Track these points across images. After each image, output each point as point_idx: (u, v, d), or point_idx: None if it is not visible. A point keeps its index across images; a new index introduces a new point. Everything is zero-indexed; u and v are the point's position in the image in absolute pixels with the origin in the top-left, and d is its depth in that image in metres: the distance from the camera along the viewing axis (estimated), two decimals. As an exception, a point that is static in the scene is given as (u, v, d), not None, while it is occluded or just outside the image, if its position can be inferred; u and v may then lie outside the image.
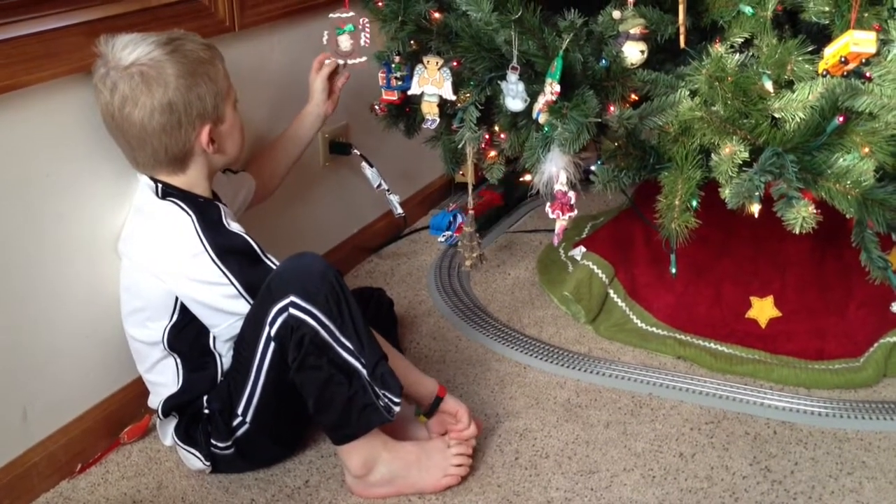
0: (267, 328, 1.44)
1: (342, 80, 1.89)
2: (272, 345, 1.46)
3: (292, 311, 1.42)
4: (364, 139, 2.27)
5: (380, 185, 2.33)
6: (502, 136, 1.72)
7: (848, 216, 1.39)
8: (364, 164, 2.29)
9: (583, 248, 2.16)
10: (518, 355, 1.97)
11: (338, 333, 1.44)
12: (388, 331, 1.98)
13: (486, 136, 1.75)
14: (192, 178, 1.54)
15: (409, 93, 1.77)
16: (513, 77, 1.56)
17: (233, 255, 1.48)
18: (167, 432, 1.63)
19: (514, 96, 1.58)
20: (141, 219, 1.55)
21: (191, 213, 1.49)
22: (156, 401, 1.61)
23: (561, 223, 1.63)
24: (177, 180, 1.53)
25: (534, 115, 1.58)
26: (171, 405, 1.59)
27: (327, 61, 1.85)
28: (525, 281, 2.31)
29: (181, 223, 1.48)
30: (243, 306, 1.49)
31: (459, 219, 2.44)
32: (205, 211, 1.51)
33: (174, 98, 1.44)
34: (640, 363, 1.93)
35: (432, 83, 1.71)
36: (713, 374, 1.87)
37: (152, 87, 1.43)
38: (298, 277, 1.45)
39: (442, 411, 1.63)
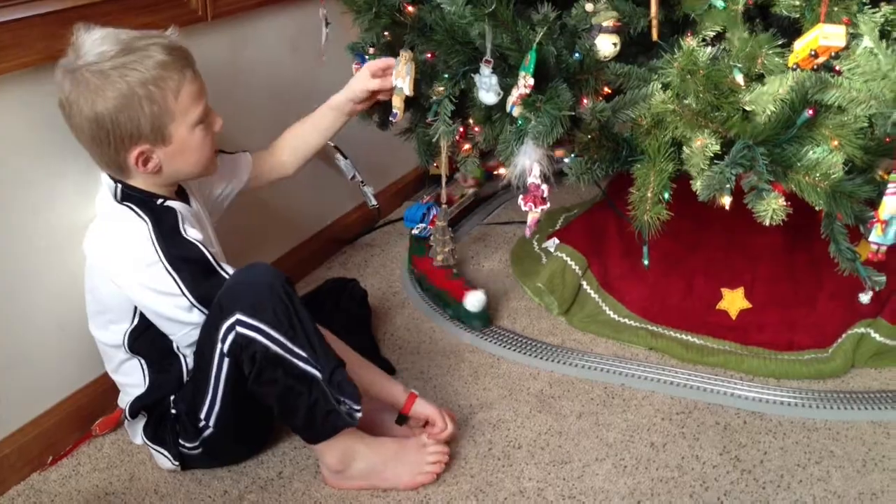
0: (220, 344, 1.43)
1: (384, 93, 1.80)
2: (227, 360, 1.45)
3: (239, 328, 1.41)
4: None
5: (354, 177, 2.33)
6: (476, 129, 1.72)
7: (817, 208, 1.40)
8: (338, 155, 2.28)
9: (556, 240, 2.17)
10: (492, 346, 1.98)
11: (290, 345, 1.42)
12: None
13: (461, 130, 1.75)
14: (143, 183, 1.50)
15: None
16: (486, 70, 1.56)
17: (187, 264, 1.45)
18: (136, 432, 1.62)
19: (487, 89, 1.58)
20: (100, 221, 1.52)
21: (147, 219, 1.46)
22: (125, 400, 1.60)
23: (534, 215, 1.64)
24: (132, 181, 1.50)
25: (508, 109, 1.58)
26: (139, 406, 1.58)
27: (395, 82, 1.73)
28: (499, 273, 2.31)
29: (136, 230, 1.45)
30: (197, 317, 1.46)
31: (433, 211, 2.44)
32: (161, 217, 1.47)
33: (101, 113, 1.39)
34: (613, 354, 1.94)
35: (399, 77, 1.71)
36: (684, 365, 1.89)
37: (84, 97, 1.38)
38: (245, 293, 1.43)
39: (413, 418, 1.63)
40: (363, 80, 1.75)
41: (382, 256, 2.42)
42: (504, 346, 1.97)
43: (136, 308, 1.51)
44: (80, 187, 1.57)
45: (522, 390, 1.83)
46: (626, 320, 2.03)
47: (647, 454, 1.64)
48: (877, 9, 1.35)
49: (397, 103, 1.74)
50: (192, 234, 1.48)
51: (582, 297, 2.09)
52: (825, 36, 1.31)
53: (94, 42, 1.39)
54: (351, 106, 1.79)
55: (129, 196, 1.49)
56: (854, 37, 1.34)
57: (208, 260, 1.47)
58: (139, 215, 1.46)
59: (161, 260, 1.43)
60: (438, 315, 2.11)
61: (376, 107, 1.89)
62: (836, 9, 1.36)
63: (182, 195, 1.60)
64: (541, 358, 1.93)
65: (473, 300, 2.02)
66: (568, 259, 2.09)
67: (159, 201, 1.50)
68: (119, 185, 1.49)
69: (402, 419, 1.63)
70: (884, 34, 1.34)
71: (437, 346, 2.00)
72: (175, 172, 1.52)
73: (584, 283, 2.09)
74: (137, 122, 1.41)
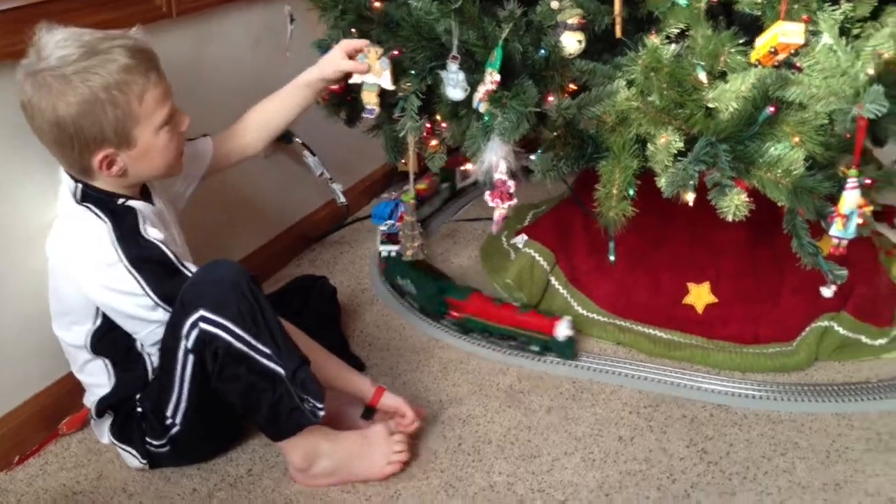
0: (183, 341, 1.43)
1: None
2: (191, 356, 1.44)
3: (202, 325, 1.40)
4: (306, 128, 2.26)
5: (322, 174, 2.32)
6: (443, 125, 1.72)
7: (779, 204, 1.42)
8: (306, 152, 2.28)
9: (524, 237, 2.17)
10: (461, 343, 1.98)
11: (254, 342, 1.41)
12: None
13: (428, 126, 1.75)
14: (106, 184, 1.48)
15: (350, 81, 1.76)
16: (453, 66, 1.57)
17: (148, 264, 1.44)
18: (103, 431, 1.61)
19: (454, 86, 1.59)
20: (61, 222, 1.51)
21: (106, 220, 1.44)
22: (91, 399, 1.60)
23: (500, 211, 1.65)
24: (95, 182, 1.48)
25: (474, 105, 1.58)
26: (105, 405, 1.57)
27: (364, 78, 1.71)
28: (468, 269, 2.32)
29: (96, 232, 1.44)
30: (161, 315, 1.45)
31: (401, 208, 2.45)
32: (121, 218, 1.46)
33: (63, 118, 1.37)
34: (581, 349, 1.95)
35: (372, 73, 1.70)
36: (652, 360, 1.91)
37: (46, 101, 1.36)
38: (209, 289, 1.42)
39: (381, 411, 1.64)
40: (336, 61, 1.71)
41: (351, 253, 2.42)
42: (473, 342, 1.98)
43: (97, 309, 1.50)
44: (43, 187, 1.56)
45: (492, 386, 1.84)
46: (594, 315, 2.04)
47: (616, 447, 1.65)
48: (836, 6, 1.37)
49: (371, 99, 1.73)
50: (152, 233, 1.47)
51: (550, 292, 2.10)
52: (784, 33, 1.33)
53: (56, 44, 1.37)
54: (322, 85, 1.76)
55: (89, 196, 1.47)
56: (814, 34, 1.36)
57: (170, 259, 1.46)
58: (99, 216, 1.45)
59: (122, 260, 1.42)
60: (407, 311, 2.11)
61: (343, 104, 1.89)
62: (796, 6, 1.38)
63: (145, 193, 1.58)
64: (510, 353, 1.94)
65: (565, 329, 1.89)
66: (536, 255, 2.10)
67: (120, 201, 1.48)
68: (80, 186, 1.47)
69: (369, 412, 1.64)
70: (843, 31, 1.36)
71: (407, 343, 2.00)
72: (140, 175, 1.51)
73: (553, 278, 2.10)
74: (101, 127, 1.39)
